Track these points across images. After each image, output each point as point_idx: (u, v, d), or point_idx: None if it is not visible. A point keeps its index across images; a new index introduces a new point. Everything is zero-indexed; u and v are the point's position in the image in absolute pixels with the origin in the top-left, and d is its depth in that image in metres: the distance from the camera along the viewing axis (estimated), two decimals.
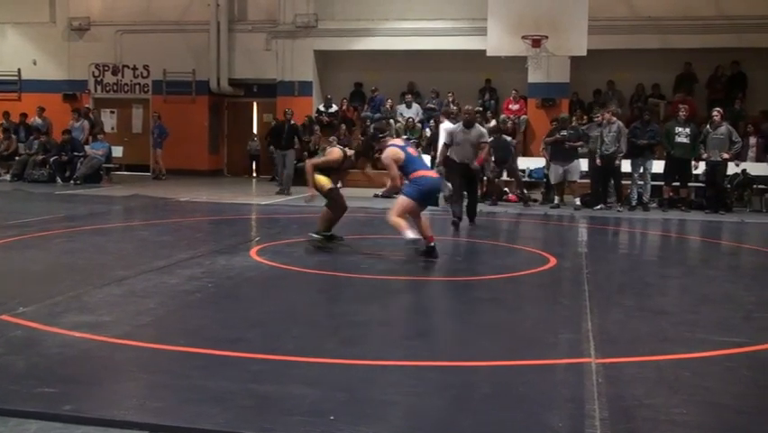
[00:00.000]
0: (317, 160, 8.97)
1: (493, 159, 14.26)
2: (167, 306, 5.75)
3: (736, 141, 13.60)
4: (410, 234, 7.68)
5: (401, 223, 7.78)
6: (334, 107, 19.40)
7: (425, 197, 8.03)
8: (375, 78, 19.67)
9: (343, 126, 18.86)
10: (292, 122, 16.10)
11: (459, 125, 11.26)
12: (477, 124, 11.23)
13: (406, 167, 8.00)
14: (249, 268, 7.35)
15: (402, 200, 7.93)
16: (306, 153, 16.16)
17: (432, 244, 7.90)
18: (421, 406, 3.78)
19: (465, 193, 11.31)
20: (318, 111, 19.32)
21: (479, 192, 12.47)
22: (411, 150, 8.29)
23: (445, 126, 12.70)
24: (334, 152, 9.00)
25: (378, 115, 18.72)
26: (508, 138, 15.05)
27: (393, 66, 19.23)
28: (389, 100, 18.94)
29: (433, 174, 8.42)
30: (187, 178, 18.80)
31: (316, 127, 18.13)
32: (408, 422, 3.58)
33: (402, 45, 18.58)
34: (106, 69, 20.97)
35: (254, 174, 20.65)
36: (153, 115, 19.63)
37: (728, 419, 3.72)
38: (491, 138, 12.46)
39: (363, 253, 8.41)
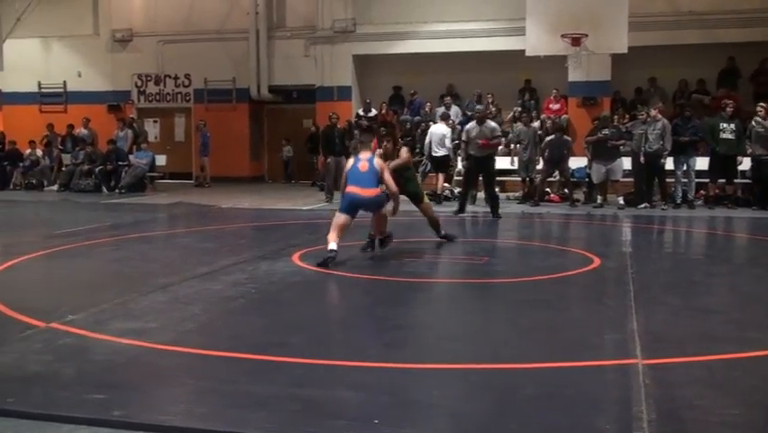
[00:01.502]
0: (395, 164, 8.92)
1: (543, 158, 14.51)
2: (211, 312, 5.81)
3: None
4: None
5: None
6: (374, 111, 19.43)
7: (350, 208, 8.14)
8: (414, 81, 19.65)
9: (383, 130, 18.89)
10: (339, 126, 15.63)
11: (473, 123, 12.52)
12: (488, 120, 12.52)
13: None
14: (291, 273, 7.40)
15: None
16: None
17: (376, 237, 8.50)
18: (465, 409, 3.76)
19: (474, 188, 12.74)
20: (357, 115, 19.37)
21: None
22: (361, 165, 8.22)
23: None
24: (405, 153, 9.16)
25: (417, 118, 18.72)
26: (567, 138, 15.01)
27: (431, 68, 19.19)
28: (428, 103, 18.91)
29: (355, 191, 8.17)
30: (229, 184, 18.98)
31: (356, 132, 18.15)
32: (453, 425, 3.57)
33: (440, 47, 18.53)
34: (149, 79, 21.29)
35: (290, 180, 20.62)
36: (199, 123, 19.83)
37: None
38: (553, 137, 12.81)
39: (405, 257, 8.40)
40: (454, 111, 18.31)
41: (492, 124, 12.80)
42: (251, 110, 20.95)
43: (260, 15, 20.12)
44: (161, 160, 19.01)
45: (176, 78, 21.14)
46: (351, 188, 8.17)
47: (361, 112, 19.46)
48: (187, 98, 21.14)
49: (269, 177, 21.54)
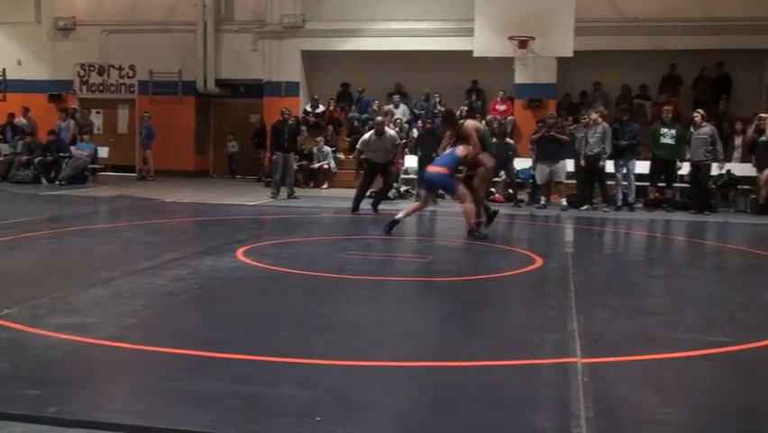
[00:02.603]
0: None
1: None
2: (153, 307, 5.73)
3: (717, 146, 13.70)
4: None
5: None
6: (321, 108, 19.38)
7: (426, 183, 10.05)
8: (362, 78, 19.68)
9: (330, 127, 18.88)
10: (290, 122, 15.28)
11: (372, 134, 12.60)
12: (387, 130, 12.85)
13: None
14: (235, 269, 7.34)
15: None
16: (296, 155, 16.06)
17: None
18: (408, 407, 3.78)
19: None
20: (305, 111, 19.30)
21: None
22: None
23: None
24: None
25: (365, 116, 18.73)
26: (510, 141, 15.24)
27: (380, 66, 19.22)
28: (376, 101, 18.94)
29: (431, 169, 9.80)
30: (173, 178, 18.74)
31: (303, 128, 18.09)
32: (395, 423, 3.59)
33: (389, 46, 18.58)
34: (92, 69, 20.87)
35: (234, 175, 20.42)
36: (144, 115, 19.49)
37: (712, 418, 3.75)
38: (494, 141, 12.94)
39: (352, 254, 8.41)
40: (402, 110, 18.39)
41: (391, 133, 13.00)
42: (197, 103, 20.70)
43: (207, 8, 19.88)
44: (104, 152, 18.67)
45: (120, 68, 20.77)
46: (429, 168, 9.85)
47: (308, 108, 19.41)
48: (132, 90, 20.80)
49: (215, 171, 21.34)
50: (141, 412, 3.59)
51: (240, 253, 8.13)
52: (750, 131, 13.73)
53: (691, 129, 13.88)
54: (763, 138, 13.55)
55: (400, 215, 9.77)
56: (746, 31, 16.99)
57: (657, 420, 3.66)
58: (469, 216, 9.58)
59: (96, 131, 20.03)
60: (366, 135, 12.87)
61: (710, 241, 11.14)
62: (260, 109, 19.70)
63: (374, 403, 3.78)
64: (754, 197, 13.98)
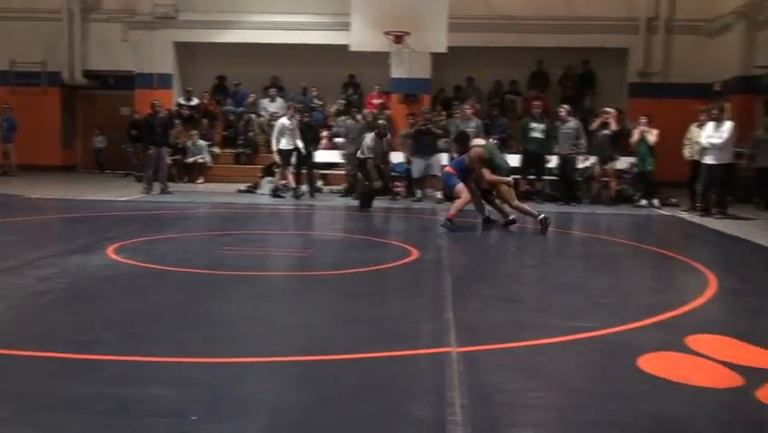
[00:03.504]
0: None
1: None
2: (16, 308, 5.46)
3: (581, 140, 14.29)
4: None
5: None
6: (196, 101, 18.97)
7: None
8: (239, 71, 19.38)
9: (206, 120, 18.50)
10: (161, 114, 14.92)
11: (373, 137, 13.10)
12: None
13: None
14: (106, 267, 7.08)
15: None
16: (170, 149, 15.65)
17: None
18: (286, 402, 3.76)
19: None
20: (179, 104, 18.83)
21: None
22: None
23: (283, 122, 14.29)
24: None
25: (241, 109, 18.46)
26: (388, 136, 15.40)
27: (256, 59, 18.99)
28: (253, 94, 18.71)
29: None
30: (38, 173, 17.86)
31: (177, 121, 17.63)
32: (272, 419, 3.56)
33: (265, 38, 18.39)
34: None
35: (103, 170, 19.68)
36: (5, 107, 18.40)
37: (580, 400, 3.92)
38: (373, 143, 13.00)
39: (229, 249, 8.28)
40: (279, 104, 18.23)
41: (388, 136, 13.54)
42: (63, 95, 19.84)
43: None
44: None
45: None
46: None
47: (182, 101, 18.95)
48: None
49: (83, 166, 20.48)
50: (2, 420, 3.40)
51: (110, 250, 7.85)
52: (594, 124, 14.36)
53: (558, 124, 14.44)
54: (606, 132, 14.22)
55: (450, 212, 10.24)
56: (610, 30, 17.91)
57: (529, 405, 3.80)
58: (456, 208, 10.17)
59: None
60: (369, 141, 13.10)
61: (577, 231, 11.62)
62: (132, 102, 19.06)
63: (251, 400, 3.74)
64: (616, 188, 14.67)
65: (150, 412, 3.51)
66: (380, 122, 13.78)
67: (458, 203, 10.27)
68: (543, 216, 10.15)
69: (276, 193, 14.26)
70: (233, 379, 4.07)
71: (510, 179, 10.71)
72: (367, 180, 13.09)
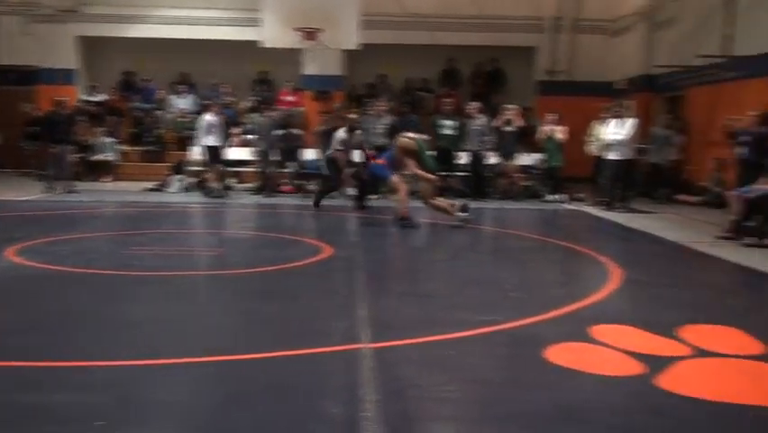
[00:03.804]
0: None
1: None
2: None
3: (487, 137, 14.58)
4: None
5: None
6: (101, 97, 18.44)
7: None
8: (147, 67, 18.93)
9: (115, 117, 18.00)
10: (65, 111, 14.61)
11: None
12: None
13: None
14: (6, 270, 6.83)
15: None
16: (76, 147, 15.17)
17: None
18: (196, 404, 3.71)
19: None
20: (83, 100, 18.26)
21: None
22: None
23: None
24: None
25: (150, 106, 18.05)
26: (298, 132, 15.30)
27: (165, 55, 18.59)
28: (162, 90, 18.32)
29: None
30: None
31: (81, 118, 17.07)
32: (182, 422, 3.51)
33: (174, 33, 18.02)
34: None
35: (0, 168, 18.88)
36: None
37: (489, 392, 4.01)
38: (282, 132, 12.92)
39: (135, 250, 8.09)
40: (188, 100, 17.92)
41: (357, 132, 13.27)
42: None
43: None
44: None
45: None
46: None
47: (86, 97, 18.39)
48: None
49: None
50: None
51: (11, 252, 7.57)
52: (498, 121, 14.70)
53: (467, 121, 14.69)
54: (509, 128, 14.58)
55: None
56: (518, 29, 18.32)
57: (440, 398, 3.86)
58: (401, 204, 10.13)
59: None
60: (342, 134, 12.91)
61: (488, 226, 11.83)
62: (33, 98, 18.35)
63: (159, 402, 3.68)
64: (524, 184, 15.02)
65: (55, 419, 3.41)
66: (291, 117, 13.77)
67: (401, 198, 10.25)
68: (462, 204, 10.45)
69: (211, 194, 13.93)
70: (141, 382, 3.99)
71: (434, 177, 10.75)
72: (338, 172, 12.94)
